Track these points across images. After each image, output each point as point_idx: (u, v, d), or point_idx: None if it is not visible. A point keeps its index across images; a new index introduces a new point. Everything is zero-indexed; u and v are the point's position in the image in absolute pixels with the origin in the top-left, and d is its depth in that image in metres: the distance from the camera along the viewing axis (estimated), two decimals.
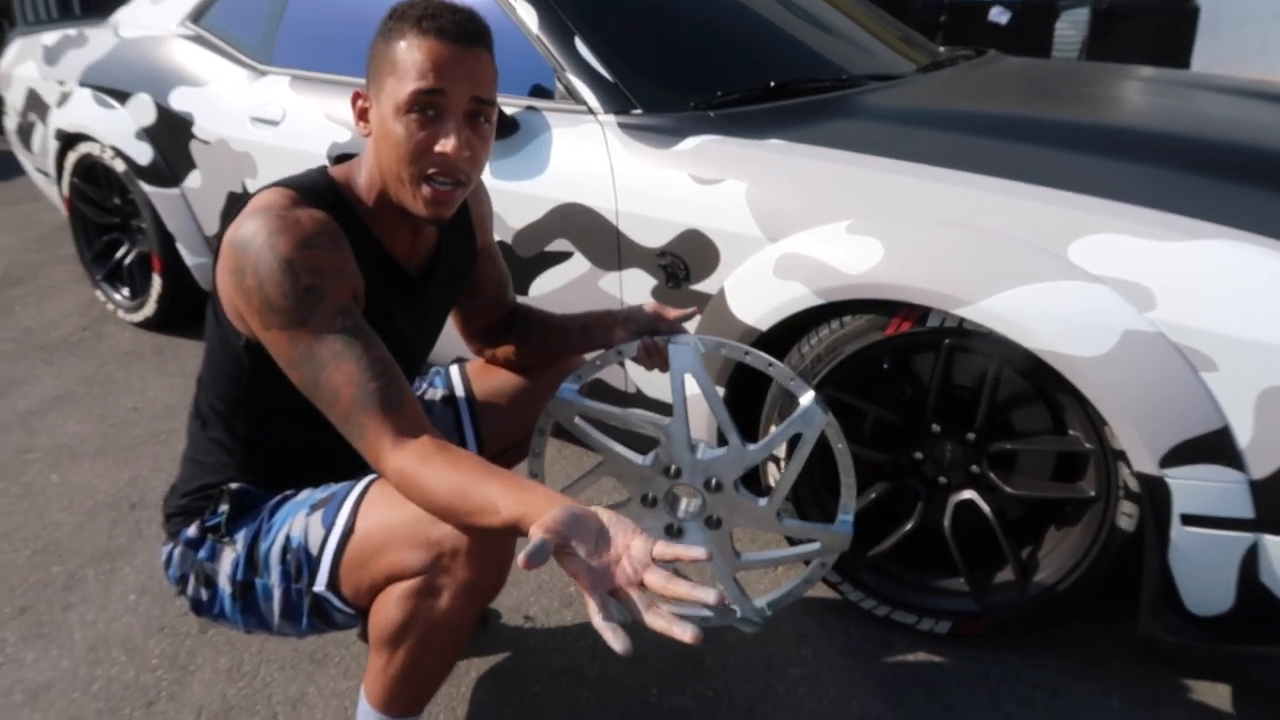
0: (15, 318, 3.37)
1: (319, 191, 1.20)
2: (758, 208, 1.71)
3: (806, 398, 1.38)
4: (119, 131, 2.93)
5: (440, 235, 1.37)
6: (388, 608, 1.16)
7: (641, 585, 0.88)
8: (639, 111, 1.95)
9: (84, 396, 2.81)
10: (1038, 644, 1.74)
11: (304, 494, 1.28)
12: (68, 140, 3.15)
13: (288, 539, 1.23)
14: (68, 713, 1.63)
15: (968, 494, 1.70)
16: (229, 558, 1.27)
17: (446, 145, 1.15)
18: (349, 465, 1.31)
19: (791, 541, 1.50)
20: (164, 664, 1.73)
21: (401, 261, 1.29)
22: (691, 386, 1.44)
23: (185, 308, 3.15)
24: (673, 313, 1.44)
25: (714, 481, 1.42)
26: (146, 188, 2.91)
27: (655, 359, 1.43)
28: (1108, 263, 1.43)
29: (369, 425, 1.08)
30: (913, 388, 1.73)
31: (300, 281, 1.09)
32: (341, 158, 1.30)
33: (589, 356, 1.48)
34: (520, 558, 0.82)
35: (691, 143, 1.84)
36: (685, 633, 0.81)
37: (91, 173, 3.17)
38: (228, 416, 1.28)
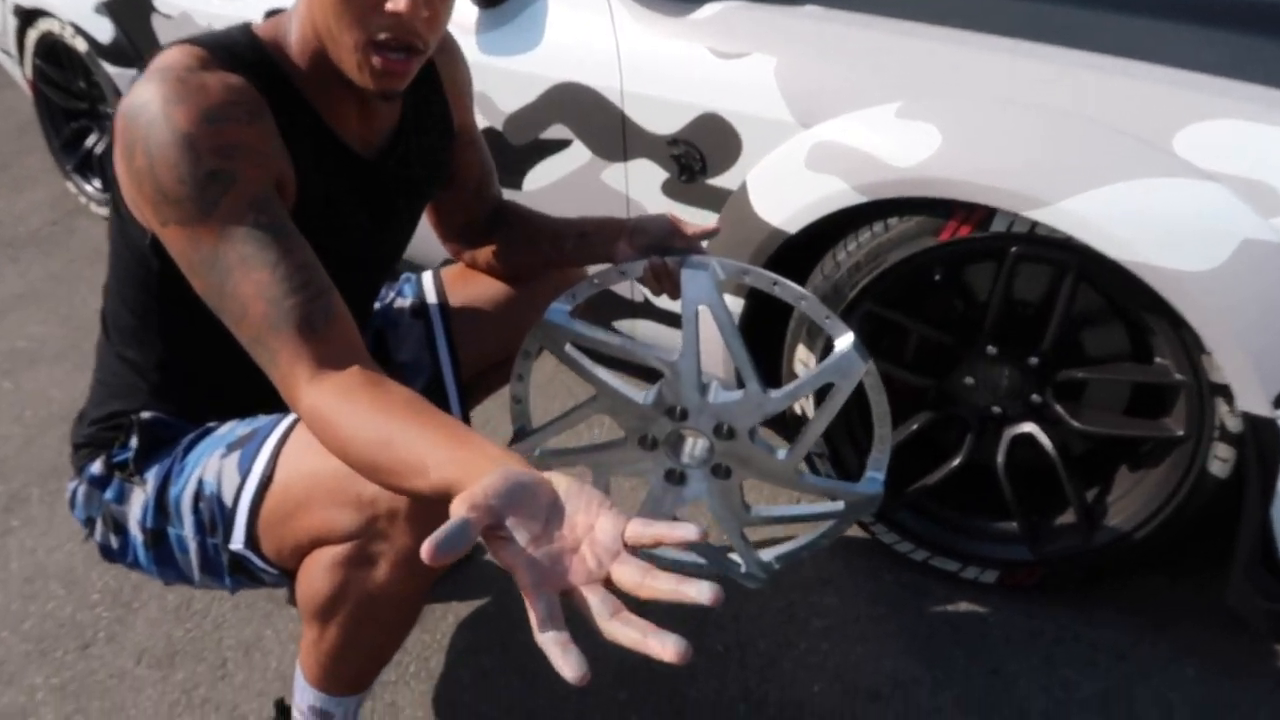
0: None
1: (237, 51, 0.94)
2: (788, 87, 1.43)
3: (844, 340, 1.14)
4: (76, 6, 2.63)
5: (404, 109, 1.10)
6: (314, 577, 0.94)
7: (607, 583, 0.63)
8: None
9: (48, 296, 2.58)
10: (1098, 599, 1.51)
11: (225, 428, 1.05)
12: (26, 16, 2.85)
13: (200, 484, 1.00)
14: None
15: (1026, 427, 1.46)
16: (139, 501, 1.05)
17: (399, 3, 0.88)
18: None
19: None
20: (105, 600, 1.54)
21: (349, 140, 1.03)
22: (706, 318, 1.19)
23: None
24: (690, 228, 1.17)
25: (725, 428, 1.19)
26: (109, 68, 2.63)
27: (665, 283, 1.17)
28: (1223, 156, 1.15)
29: (281, 351, 0.83)
30: (966, 304, 1.47)
31: (202, 164, 0.84)
32: (272, 13, 1.03)
33: (591, 272, 1.23)
34: (424, 547, 0.57)
35: (710, 10, 1.54)
36: (666, 648, 0.57)
37: (53, 52, 2.88)
38: (138, 331, 1.05)
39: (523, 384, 1.26)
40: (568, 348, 1.21)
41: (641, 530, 0.63)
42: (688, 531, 0.61)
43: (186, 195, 0.84)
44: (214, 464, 1.00)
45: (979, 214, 1.30)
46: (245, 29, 0.97)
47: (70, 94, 2.96)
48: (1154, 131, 1.19)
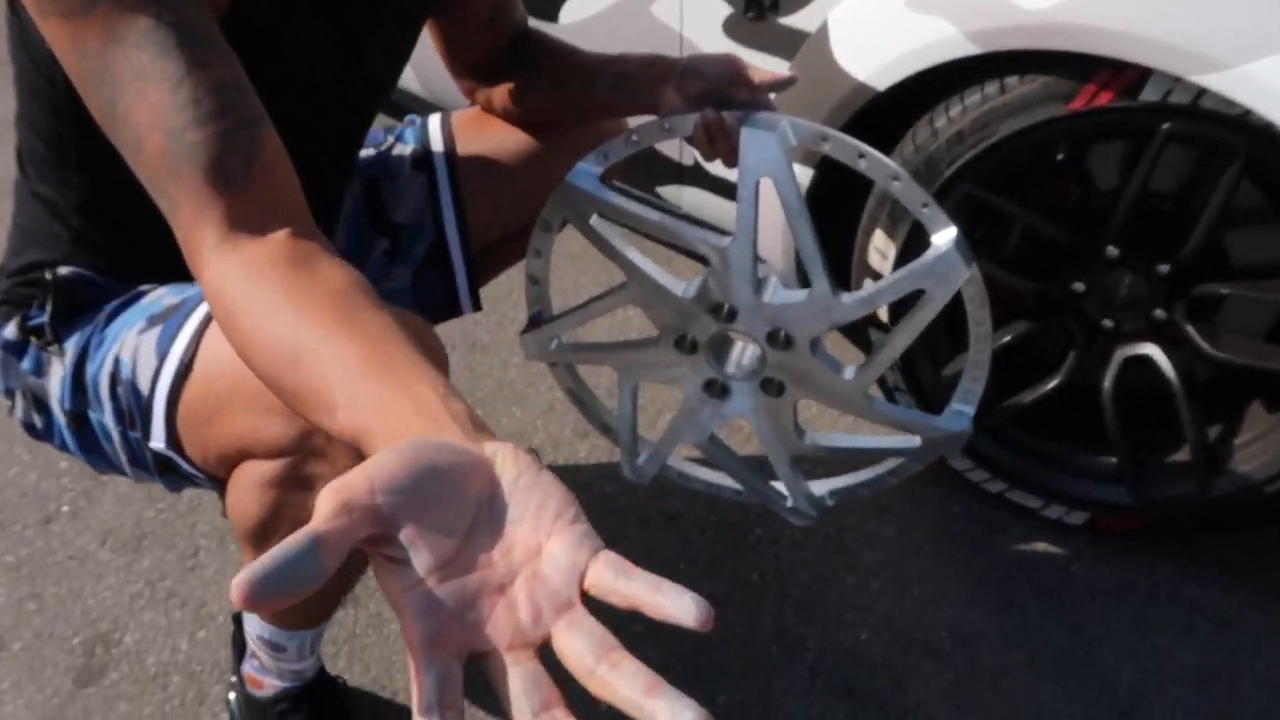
0: None
1: None
2: None
3: (944, 237, 0.88)
4: None
5: None
6: (242, 496, 0.75)
7: (539, 648, 0.40)
8: None
9: None
10: (1203, 554, 1.29)
11: (153, 295, 0.84)
12: None
13: (117, 364, 0.80)
14: None
15: (1144, 348, 1.21)
16: (57, 376, 0.86)
17: None
18: None
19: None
20: (73, 470, 1.38)
21: None
22: (769, 193, 0.94)
23: None
24: (757, 74, 0.91)
25: (782, 335, 0.95)
26: None
27: (720, 144, 0.92)
28: None
29: (184, 202, 0.60)
30: (1088, 193, 1.20)
31: None
32: None
33: (630, 125, 0.98)
34: (237, 584, 0.33)
35: None
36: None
37: None
38: (53, 164, 0.83)
39: (541, 261, 1.03)
40: (594, 220, 0.97)
41: (612, 580, 0.40)
42: (685, 615, 0.38)
43: None
44: (131, 340, 0.80)
45: (1127, 77, 1.02)
46: None
47: None
48: None
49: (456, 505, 0.40)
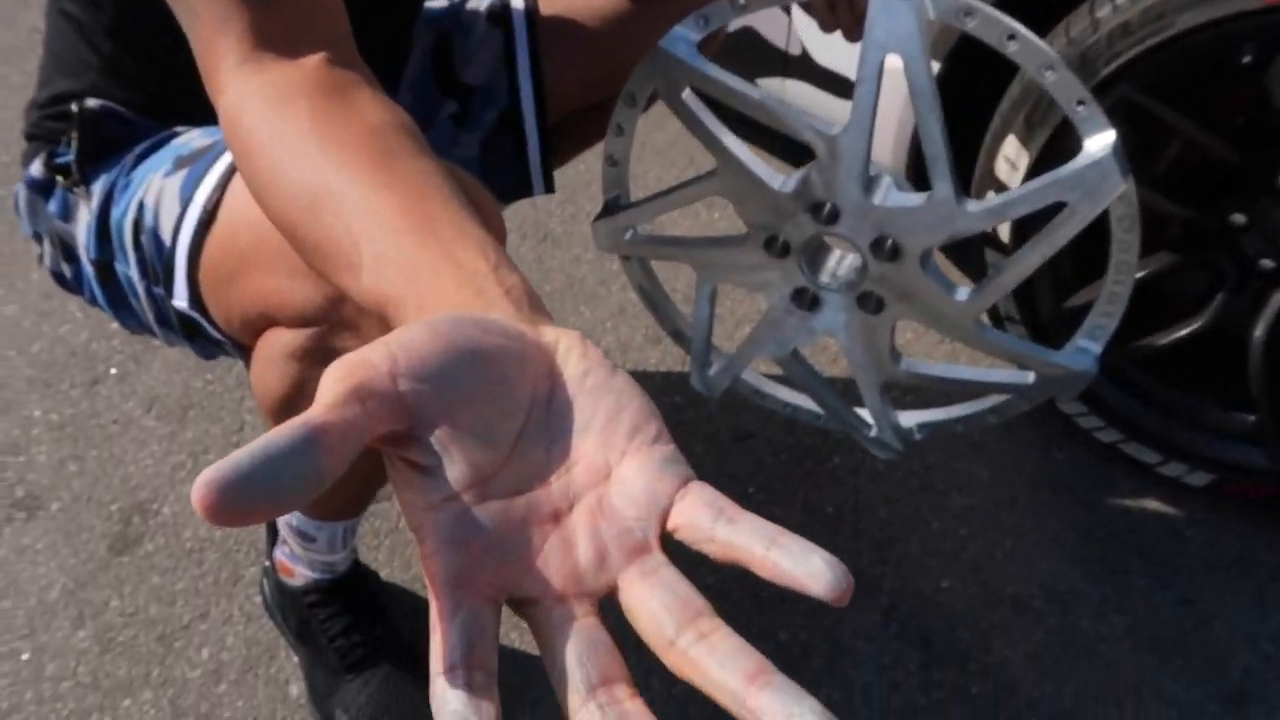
0: None
1: None
2: None
3: (1100, 142, 0.73)
4: None
5: None
6: (265, 369, 0.66)
7: (599, 601, 0.30)
8: None
9: None
10: None
11: (187, 135, 0.75)
12: None
13: (140, 209, 0.71)
14: None
15: None
16: (84, 221, 0.78)
17: None
18: None
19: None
20: (124, 332, 1.32)
21: None
22: (894, 78, 0.80)
23: None
24: None
25: (889, 244, 0.82)
26: None
27: (843, 12, 0.78)
28: None
29: (202, 8, 0.49)
30: (1267, 107, 1.02)
31: None
32: None
33: None
34: (198, 487, 0.23)
35: None
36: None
37: None
38: None
39: (622, 140, 0.91)
40: (687, 94, 0.84)
41: (710, 524, 0.29)
42: (814, 580, 0.27)
43: None
44: (156, 184, 0.71)
45: None
46: None
47: None
48: None
49: (503, 403, 0.30)
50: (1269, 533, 1.14)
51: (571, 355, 0.32)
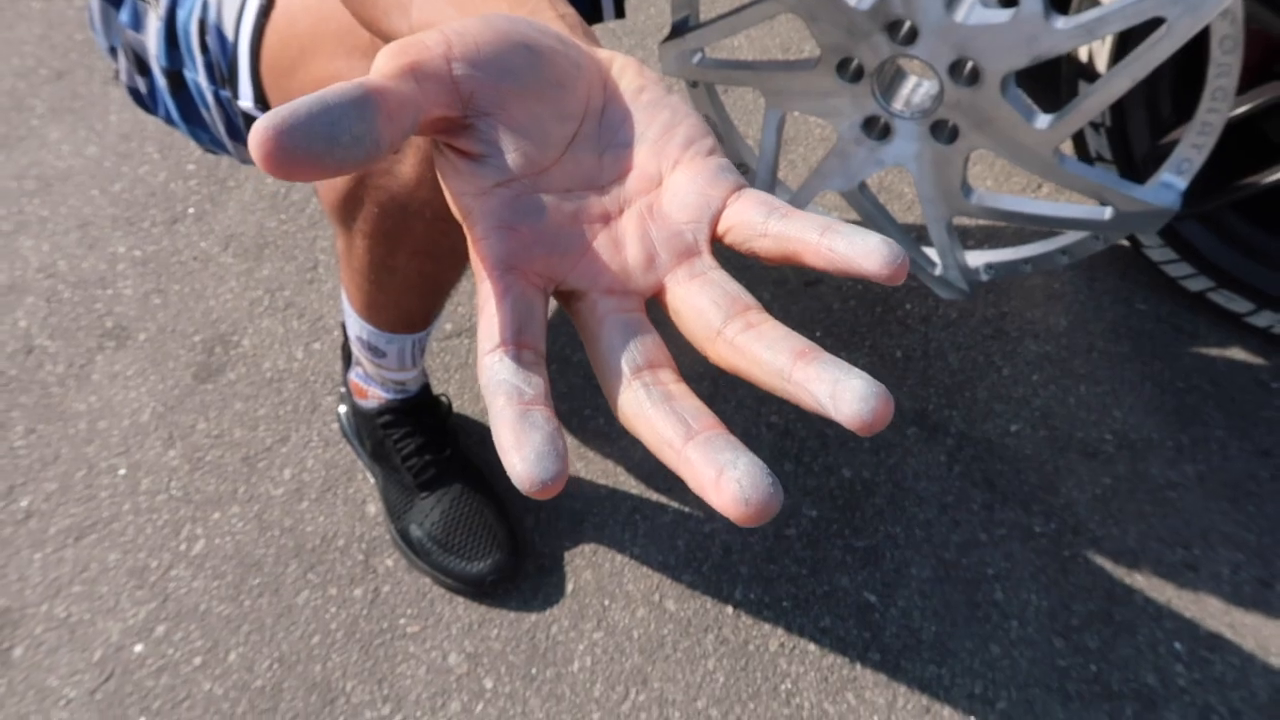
0: None
1: None
2: None
3: None
4: None
5: None
6: None
7: (646, 301, 0.29)
8: None
9: None
10: None
11: None
12: None
13: (205, 7, 0.71)
14: (80, 213, 1.30)
15: None
16: (153, 28, 0.77)
17: None
18: None
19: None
20: (200, 173, 1.35)
21: None
22: None
23: None
24: None
25: (969, 67, 0.78)
26: None
27: None
28: None
29: None
30: None
31: None
32: None
33: None
34: (258, 125, 0.22)
35: None
36: (751, 497, 0.23)
37: None
38: None
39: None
40: None
41: (762, 219, 0.28)
42: (869, 257, 0.26)
43: None
44: None
45: None
46: None
47: None
48: None
49: (558, 104, 0.29)
50: None
51: (627, 72, 0.31)
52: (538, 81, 0.28)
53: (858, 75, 0.84)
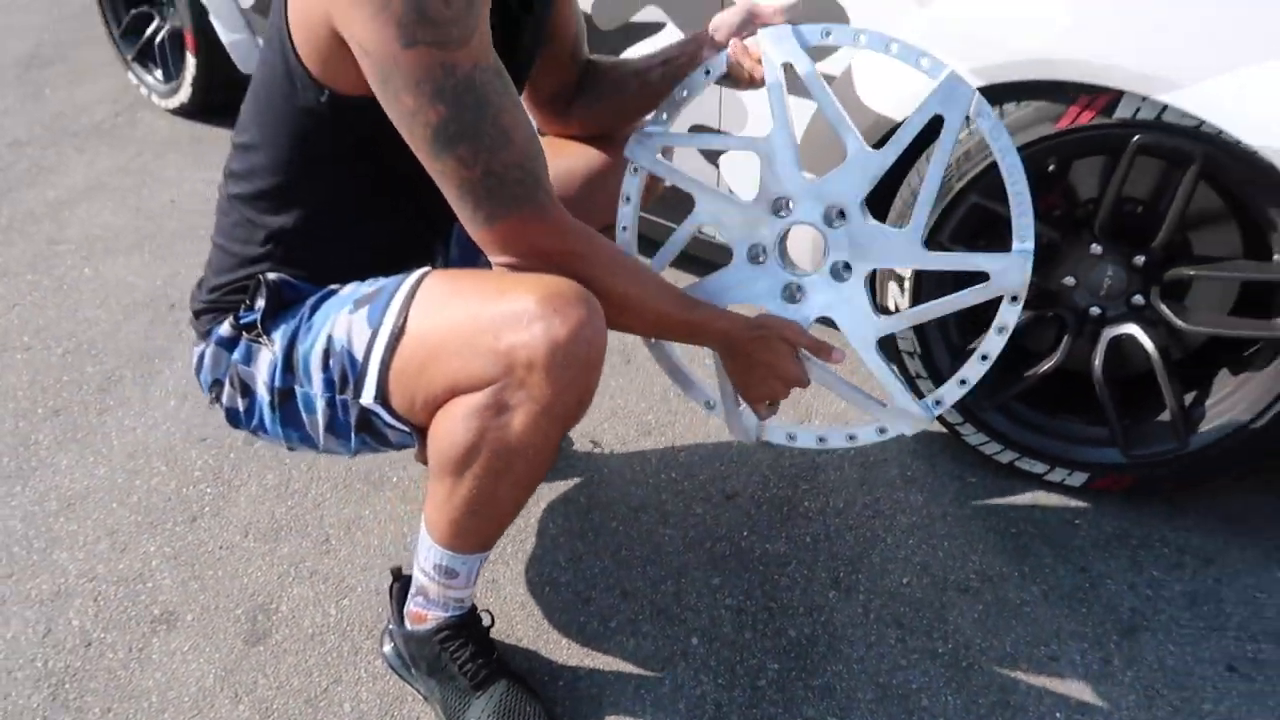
0: (45, 101, 3.12)
1: None
2: None
3: (942, 72, 1.05)
4: None
5: None
6: (449, 427, 0.96)
7: None
8: None
9: (117, 187, 2.59)
10: (1187, 505, 1.51)
11: (349, 288, 1.06)
12: None
13: (329, 341, 1.01)
14: (105, 524, 1.49)
15: (1126, 328, 1.44)
16: (266, 360, 1.06)
17: None
18: (407, 254, 1.10)
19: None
20: (207, 477, 1.58)
21: None
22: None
23: (223, 92, 2.87)
24: (768, 7, 1.14)
25: (836, 212, 1.11)
26: None
27: (748, 61, 1.14)
28: None
29: (540, 173, 0.93)
30: (1071, 200, 1.43)
31: None
32: None
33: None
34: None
35: None
36: None
37: None
38: (278, 192, 1.04)
39: (630, 206, 1.22)
40: (658, 157, 1.19)
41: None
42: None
43: (450, 19, 0.85)
44: (343, 320, 1.01)
45: (1103, 99, 1.26)
46: None
47: None
48: None
49: None
50: (1134, 513, 1.50)
51: None
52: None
53: (762, 256, 1.15)
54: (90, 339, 1.95)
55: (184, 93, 2.87)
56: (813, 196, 1.11)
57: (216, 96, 2.86)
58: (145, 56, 3.01)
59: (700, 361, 1.82)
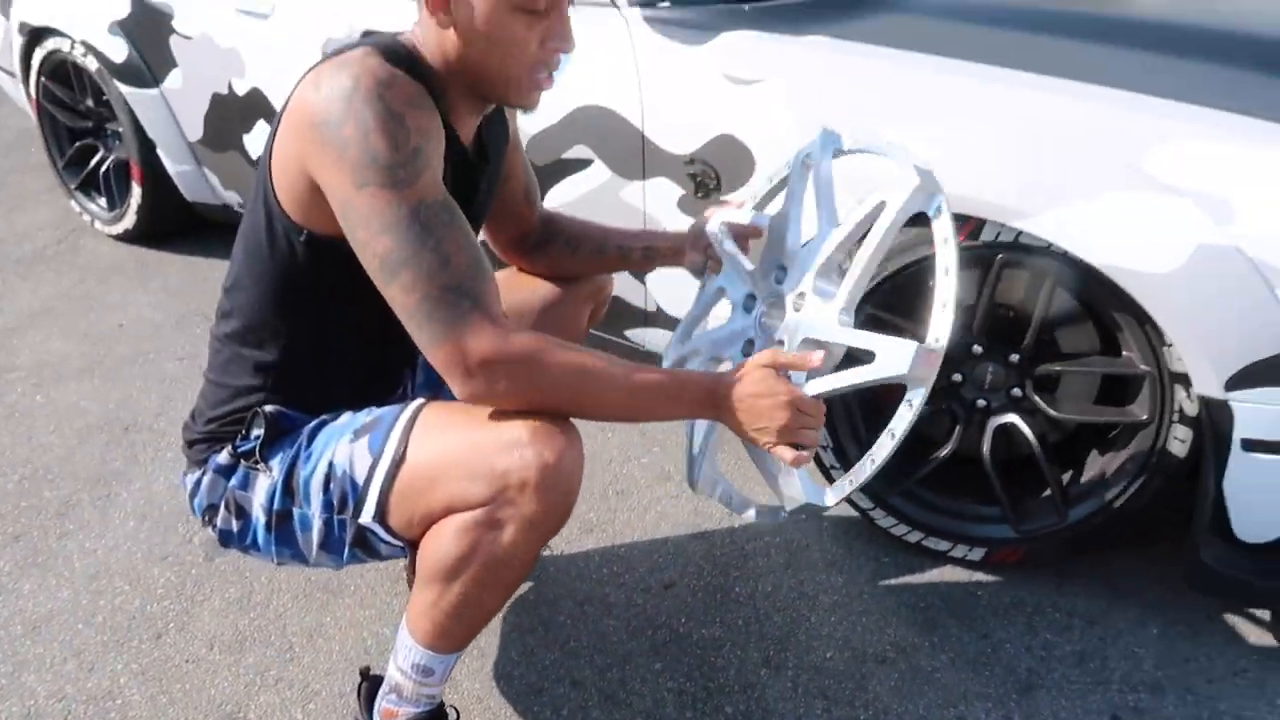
0: None
1: (399, 55, 1.08)
2: (799, 111, 1.59)
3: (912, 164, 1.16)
4: (89, 25, 2.73)
5: (481, 118, 1.25)
6: (444, 540, 1.08)
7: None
8: (666, 3, 1.80)
9: (65, 313, 2.67)
10: (1074, 573, 1.69)
11: (344, 418, 1.18)
12: (34, 35, 2.94)
13: (330, 467, 1.13)
14: (71, 645, 1.56)
15: (1008, 418, 1.63)
16: (264, 486, 1.17)
17: (566, 43, 1.09)
18: (391, 385, 1.24)
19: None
20: (170, 594, 1.66)
21: (461, 138, 1.18)
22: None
23: (167, 219, 2.99)
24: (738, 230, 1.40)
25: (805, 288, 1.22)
26: (123, 88, 2.73)
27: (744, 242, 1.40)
28: (1184, 173, 1.33)
29: (486, 292, 1.02)
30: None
31: (411, 139, 1.00)
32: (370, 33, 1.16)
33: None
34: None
35: (726, 39, 1.70)
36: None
37: (61, 71, 2.97)
38: (266, 329, 1.17)
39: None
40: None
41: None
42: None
43: (398, 162, 0.99)
44: (343, 449, 1.13)
45: (970, 225, 1.48)
46: (395, 38, 1.12)
47: (77, 113, 3.04)
48: (1125, 151, 1.36)
49: None
50: (1027, 582, 1.67)
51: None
52: None
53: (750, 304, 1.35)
54: (45, 464, 2.01)
55: (129, 219, 2.99)
56: (798, 265, 1.27)
57: (161, 223, 2.98)
58: (89, 185, 3.12)
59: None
